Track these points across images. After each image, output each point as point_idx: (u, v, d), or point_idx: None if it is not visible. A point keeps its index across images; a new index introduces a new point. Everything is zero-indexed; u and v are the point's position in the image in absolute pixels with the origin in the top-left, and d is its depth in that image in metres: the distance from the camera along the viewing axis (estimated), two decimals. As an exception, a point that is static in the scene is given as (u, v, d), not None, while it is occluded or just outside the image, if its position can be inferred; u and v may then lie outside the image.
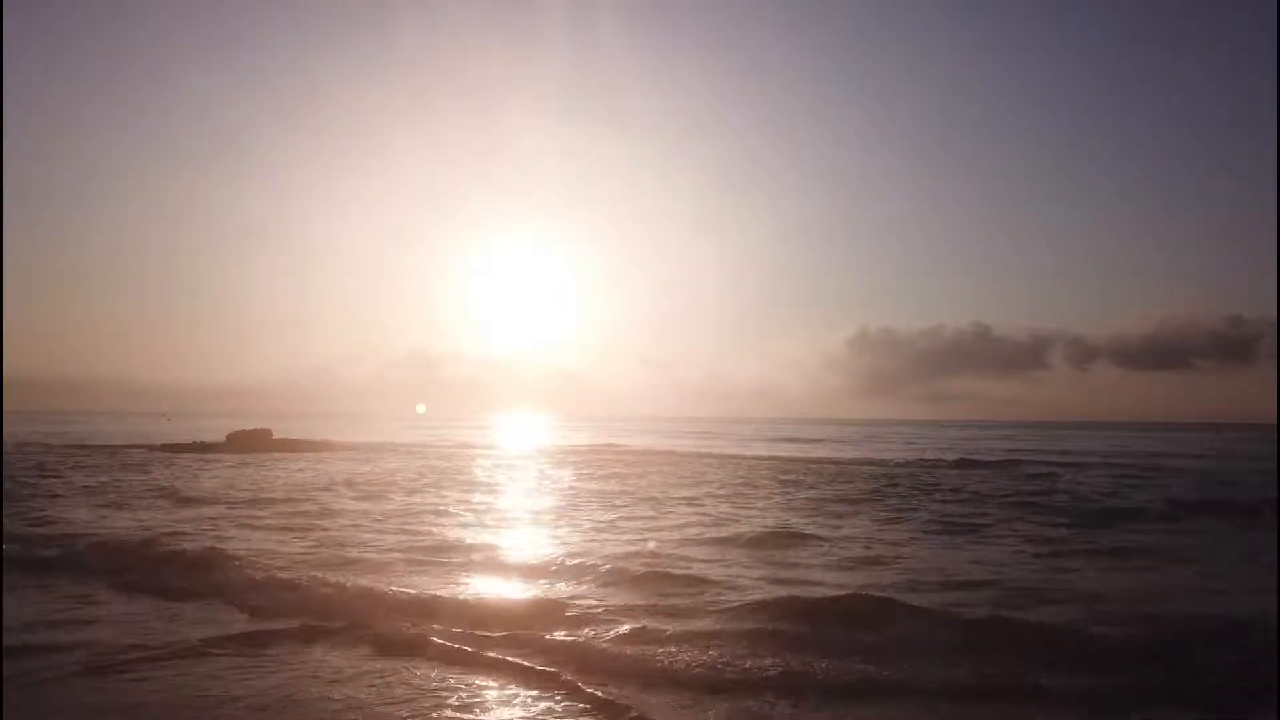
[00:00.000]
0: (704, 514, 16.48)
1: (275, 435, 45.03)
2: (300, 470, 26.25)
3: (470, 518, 15.48)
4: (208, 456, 35.72)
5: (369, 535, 13.34)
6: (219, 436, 66.33)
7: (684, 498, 18.94)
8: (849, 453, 44.90)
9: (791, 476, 25.87)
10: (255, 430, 44.58)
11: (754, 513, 16.64)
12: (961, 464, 32.21)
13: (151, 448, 41.97)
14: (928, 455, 40.55)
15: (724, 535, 13.49)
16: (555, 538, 13.42)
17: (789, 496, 19.88)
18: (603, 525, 14.73)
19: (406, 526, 14.29)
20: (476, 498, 18.78)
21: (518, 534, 14.02)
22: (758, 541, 12.88)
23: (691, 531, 13.97)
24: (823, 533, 13.99)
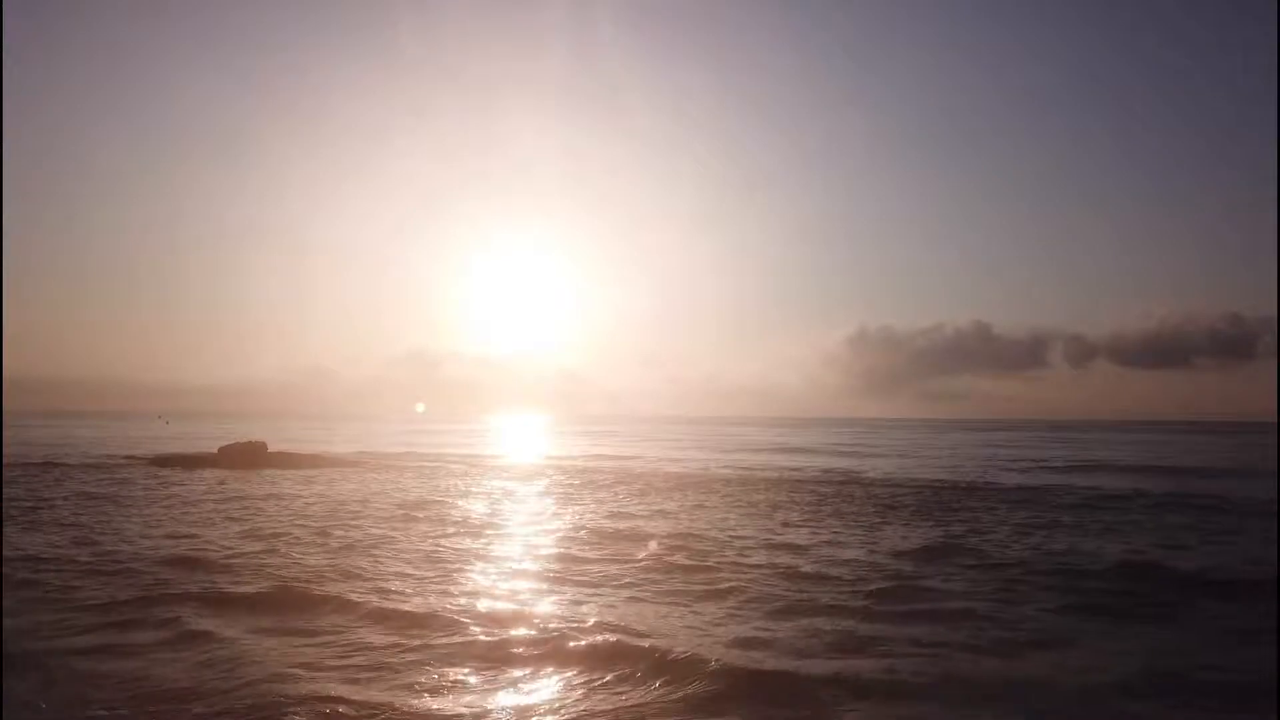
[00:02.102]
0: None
1: (270, 448, 41.97)
2: (282, 499, 23.09)
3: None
4: (194, 474, 32.66)
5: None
6: (215, 444, 63.49)
7: (750, 550, 15.65)
8: (893, 467, 41.58)
9: (871, 508, 22.62)
10: (249, 443, 41.54)
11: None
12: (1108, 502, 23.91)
13: (139, 461, 39.07)
14: (991, 471, 36.95)
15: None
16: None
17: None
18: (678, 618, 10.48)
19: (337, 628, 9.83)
20: (468, 575, 13.11)
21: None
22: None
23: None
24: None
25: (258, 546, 14.85)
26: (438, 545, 15.37)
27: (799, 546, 15.51)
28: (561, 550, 15.07)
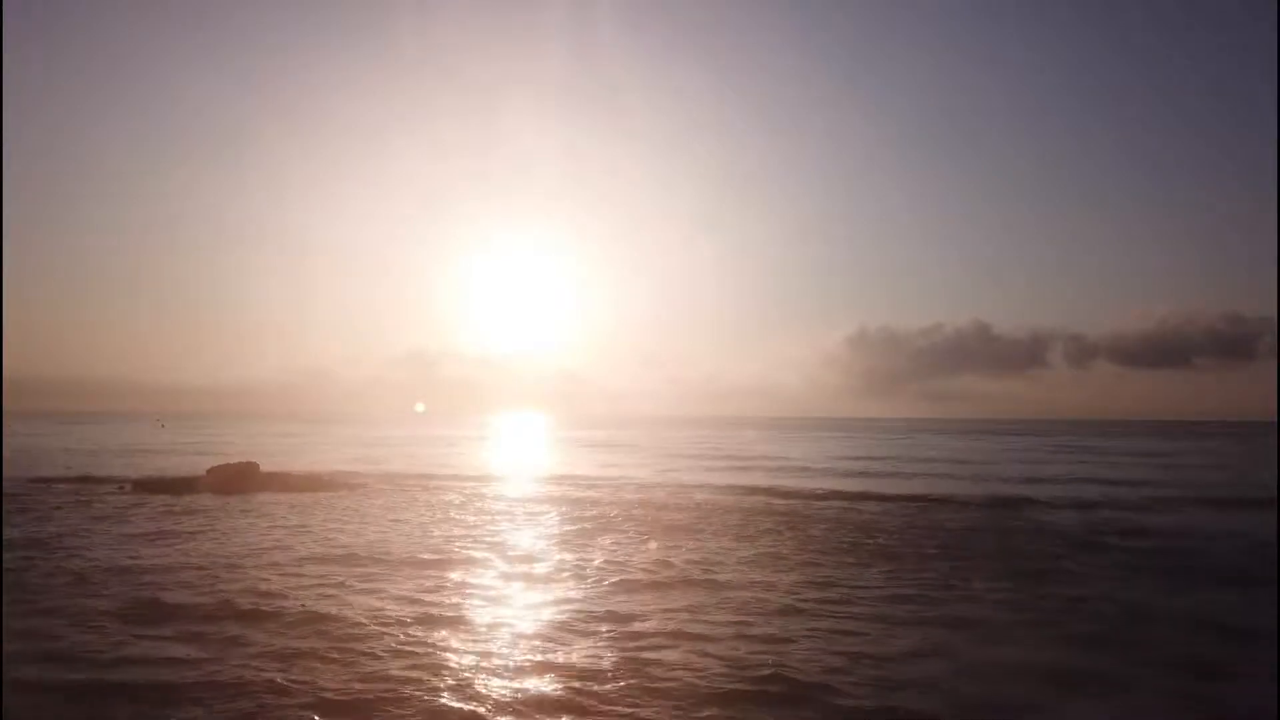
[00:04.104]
0: None
1: (263, 468, 39.69)
2: (260, 541, 20.50)
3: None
4: (179, 502, 30.19)
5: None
6: (211, 453, 61.07)
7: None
8: (931, 488, 38.68)
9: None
10: (240, 465, 39.11)
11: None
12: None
13: (122, 485, 36.46)
14: (1045, 500, 32.67)
15: None
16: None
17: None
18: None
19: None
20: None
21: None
22: None
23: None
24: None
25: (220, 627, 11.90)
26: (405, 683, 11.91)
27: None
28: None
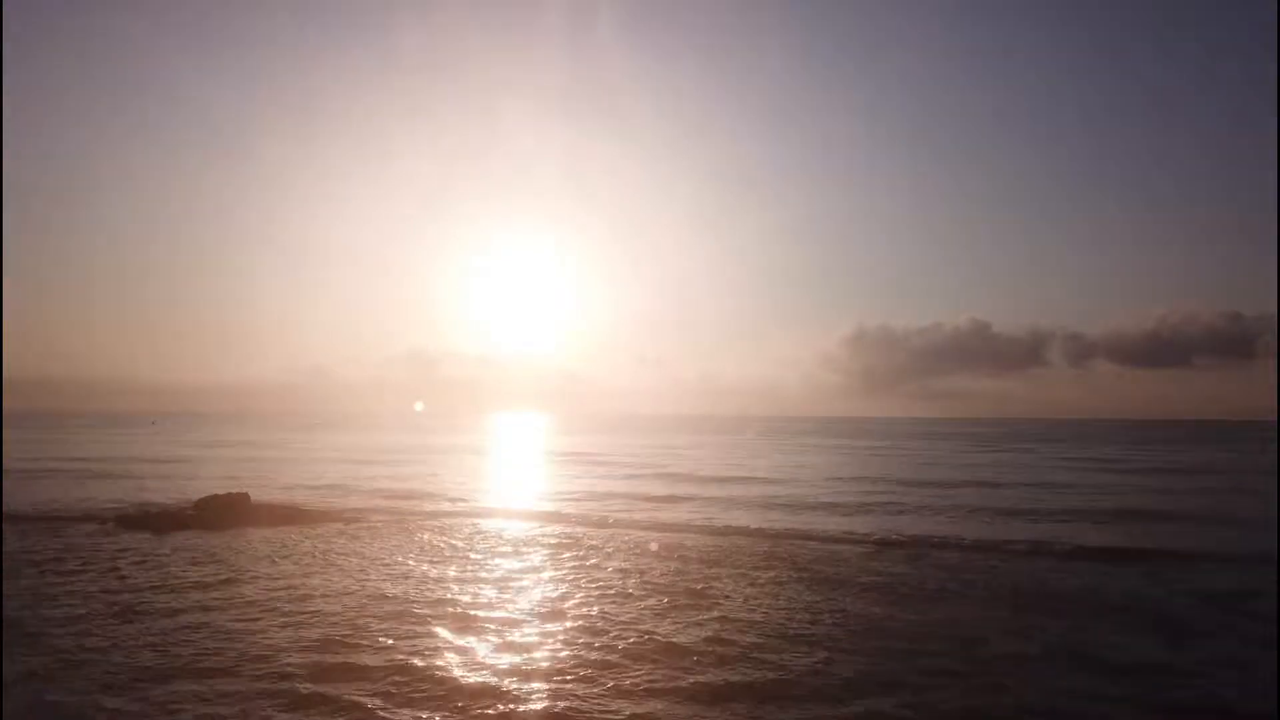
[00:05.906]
0: None
1: (253, 498, 37.27)
2: (206, 637, 17.42)
3: None
4: (159, 545, 27.28)
5: None
6: (203, 466, 58.11)
7: None
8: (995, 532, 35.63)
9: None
10: (229, 496, 36.62)
11: None
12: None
13: (104, 522, 33.43)
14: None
15: None
16: None
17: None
18: None
19: None
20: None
21: None
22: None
23: None
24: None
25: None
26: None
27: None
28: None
